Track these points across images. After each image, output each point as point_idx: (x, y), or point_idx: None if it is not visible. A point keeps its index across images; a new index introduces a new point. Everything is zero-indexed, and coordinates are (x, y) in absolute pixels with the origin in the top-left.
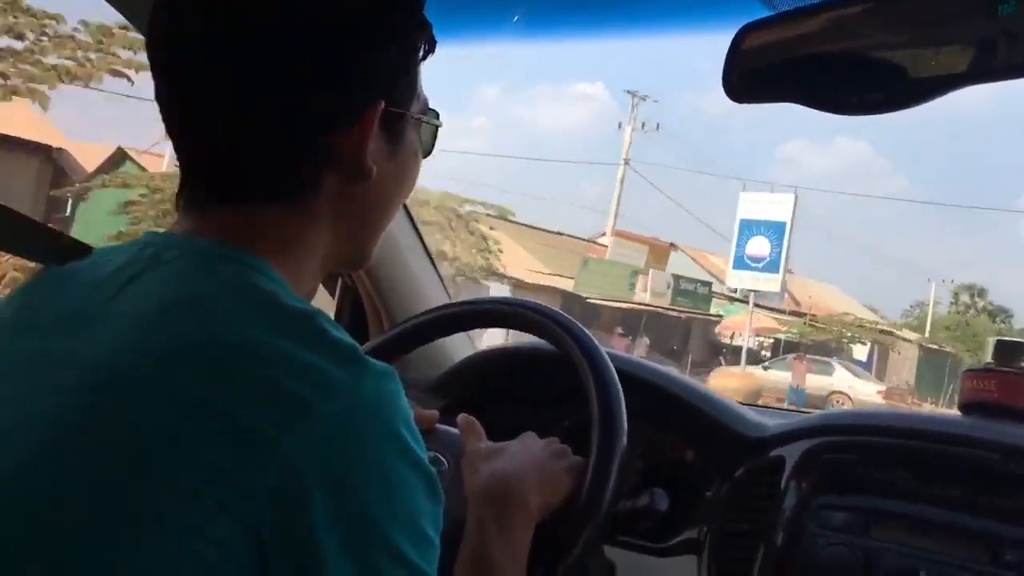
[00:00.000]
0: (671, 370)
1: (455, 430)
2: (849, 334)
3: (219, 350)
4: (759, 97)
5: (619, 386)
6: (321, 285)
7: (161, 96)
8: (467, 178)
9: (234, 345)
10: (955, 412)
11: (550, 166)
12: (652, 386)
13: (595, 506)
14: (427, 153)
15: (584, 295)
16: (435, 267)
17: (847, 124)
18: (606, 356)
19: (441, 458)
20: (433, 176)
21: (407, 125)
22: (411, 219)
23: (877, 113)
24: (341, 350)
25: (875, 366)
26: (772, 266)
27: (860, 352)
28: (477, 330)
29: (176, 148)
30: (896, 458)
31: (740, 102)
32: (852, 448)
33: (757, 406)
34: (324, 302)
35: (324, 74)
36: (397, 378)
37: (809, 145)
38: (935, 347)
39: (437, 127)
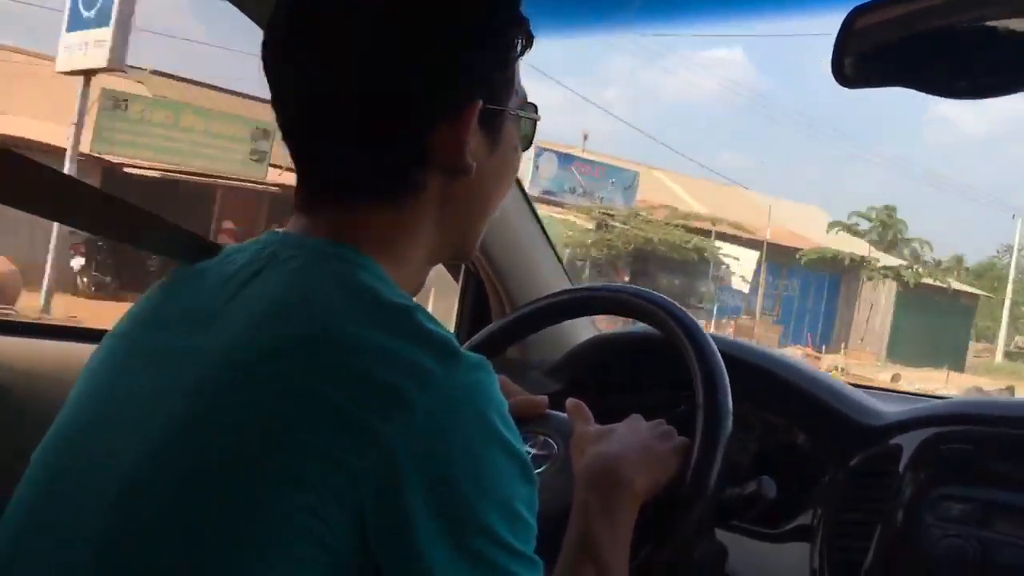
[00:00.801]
0: (784, 354)
1: (566, 416)
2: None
3: (324, 345)
4: (870, 82)
5: (724, 370)
6: (447, 271)
7: (276, 99)
8: None
9: (338, 340)
10: None
11: None
12: (764, 371)
13: (700, 487)
14: (526, 147)
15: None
16: (555, 252)
17: None
18: (711, 341)
19: (552, 442)
20: None
21: (505, 121)
22: (530, 206)
23: (990, 97)
24: (436, 343)
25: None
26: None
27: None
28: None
29: (291, 150)
30: (1017, 449)
31: (850, 87)
32: (971, 438)
33: (872, 388)
34: (449, 287)
35: (424, 75)
36: (490, 368)
37: None
38: (939, 286)
39: (535, 121)
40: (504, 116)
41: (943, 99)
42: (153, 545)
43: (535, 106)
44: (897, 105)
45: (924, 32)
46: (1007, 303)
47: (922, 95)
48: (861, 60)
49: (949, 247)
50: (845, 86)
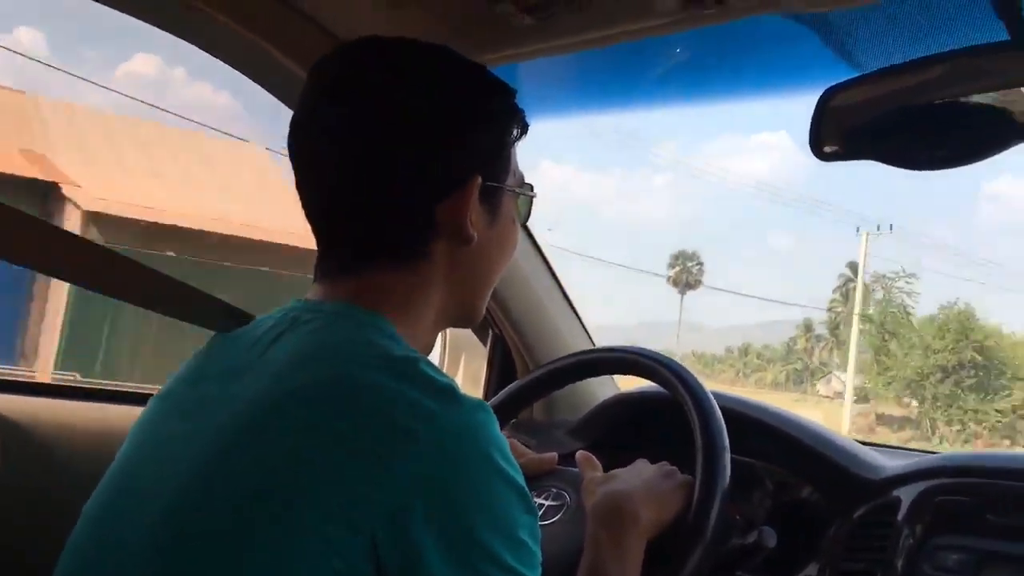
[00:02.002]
0: (792, 413)
1: (575, 469)
2: None
3: (344, 389)
4: (842, 156)
5: (722, 422)
6: (475, 336)
7: (300, 182)
8: None
9: (352, 383)
10: None
11: None
12: (774, 430)
13: (702, 522)
14: (524, 220)
15: None
16: (575, 312)
17: None
18: (710, 396)
19: (564, 493)
20: None
21: (504, 197)
22: (550, 269)
23: (946, 168)
24: (439, 388)
25: None
26: None
27: None
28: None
29: (313, 228)
30: (1011, 501)
31: (825, 160)
32: (967, 490)
33: (877, 445)
34: (479, 351)
35: (432, 154)
36: (489, 410)
37: None
38: None
39: (532, 198)
40: (503, 192)
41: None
42: (187, 568)
43: (531, 185)
44: None
45: (890, 110)
46: None
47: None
48: (835, 136)
49: None
50: (821, 159)
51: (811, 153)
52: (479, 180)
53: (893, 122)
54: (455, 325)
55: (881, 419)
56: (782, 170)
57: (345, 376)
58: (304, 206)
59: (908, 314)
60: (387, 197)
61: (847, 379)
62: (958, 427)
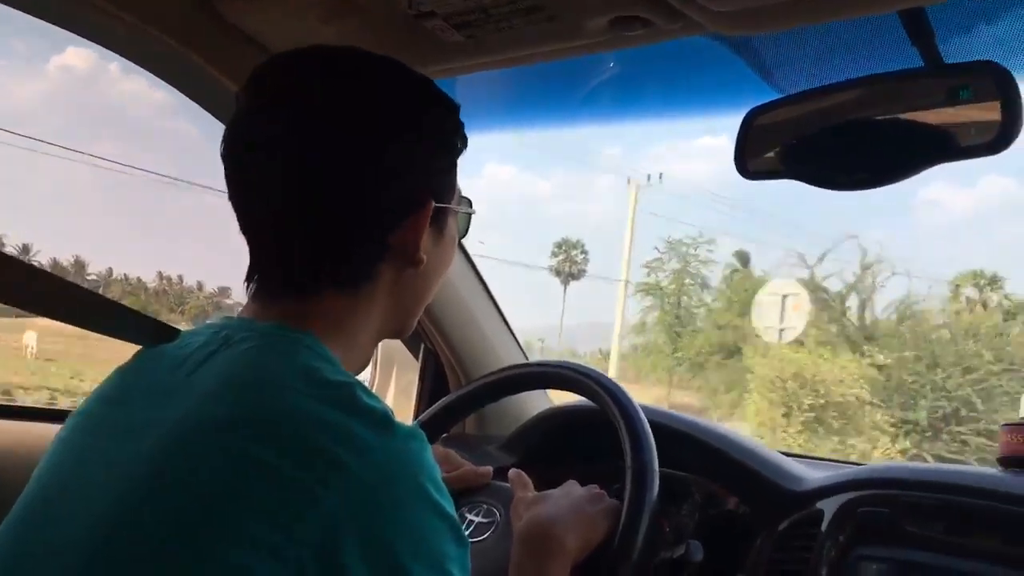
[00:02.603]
0: (717, 424)
1: (509, 485)
2: None
3: (270, 416)
4: (766, 174)
5: (651, 436)
6: (406, 348)
7: (234, 199)
8: None
9: (282, 412)
10: (993, 467)
11: None
12: (701, 443)
13: (628, 547)
14: (463, 236)
15: None
16: (507, 326)
17: None
18: (639, 409)
19: (495, 510)
20: None
21: (449, 216)
22: (484, 286)
23: (864, 188)
24: (373, 415)
25: None
26: None
27: None
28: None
29: (248, 241)
30: (931, 511)
31: (750, 179)
32: (887, 502)
33: (803, 456)
34: (411, 365)
35: (387, 177)
36: (423, 438)
37: None
38: None
39: (470, 215)
40: (449, 212)
41: None
42: None
43: (470, 201)
44: None
45: (811, 132)
46: None
47: None
48: (758, 155)
49: None
50: (746, 178)
51: (736, 172)
52: (431, 204)
53: (813, 144)
54: (388, 338)
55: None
56: (724, 173)
57: (274, 404)
58: (240, 220)
59: (705, 286)
60: (337, 222)
61: (612, 359)
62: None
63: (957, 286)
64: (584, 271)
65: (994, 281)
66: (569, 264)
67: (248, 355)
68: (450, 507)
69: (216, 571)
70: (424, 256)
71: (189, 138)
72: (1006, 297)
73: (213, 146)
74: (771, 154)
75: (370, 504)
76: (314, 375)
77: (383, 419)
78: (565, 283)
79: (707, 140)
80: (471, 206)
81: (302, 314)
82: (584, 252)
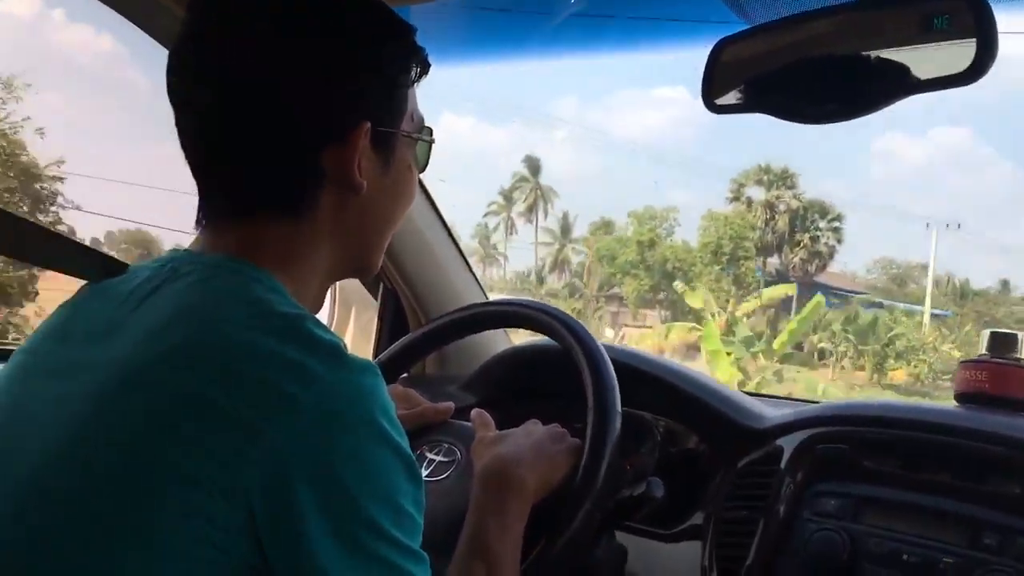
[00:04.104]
0: (680, 365)
1: (471, 424)
2: None
3: (214, 350)
4: (734, 108)
5: (613, 374)
6: (365, 288)
7: (178, 122)
8: None
9: (228, 346)
10: (951, 403)
11: None
12: (662, 381)
13: (589, 485)
14: (422, 168)
15: None
16: (468, 267)
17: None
18: (601, 348)
19: (455, 449)
20: None
21: (398, 143)
22: (442, 221)
23: (834, 121)
24: (323, 348)
25: None
26: None
27: None
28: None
29: (192, 171)
30: (887, 447)
31: (717, 113)
32: (845, 438)
33: (764, 395)
34: (370, 304)
35: (313, 98)
36: (377, 372)
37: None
38: None
39: (430, 143)
40: (396, 138)
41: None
42: (50, 548)
43: (431, 130)
44: None
45: (780, 65)
46: None
47: None
48: (726, 88)
49: None
50: (713, 111)
51: (703, 105)
52: (367, 126)
53: (783, 76)
54: (349, 276)
55: None
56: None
57: (219, 337)
58: (183, 149)
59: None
60: (268, 143)
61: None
62: None
63: (740, 185)
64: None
65: (784, 177)
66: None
67: (193, 288)
68: (405, 443)
69: (158, 512)
70: (363, 182)
71: (137, 89)
72: (795, 197)
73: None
74: (739, 87)
75: (321, 439)
76: (262, 306)
77: (334, 351)
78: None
79: (664, 90)
80: (431, 136)
81: (250, 245)
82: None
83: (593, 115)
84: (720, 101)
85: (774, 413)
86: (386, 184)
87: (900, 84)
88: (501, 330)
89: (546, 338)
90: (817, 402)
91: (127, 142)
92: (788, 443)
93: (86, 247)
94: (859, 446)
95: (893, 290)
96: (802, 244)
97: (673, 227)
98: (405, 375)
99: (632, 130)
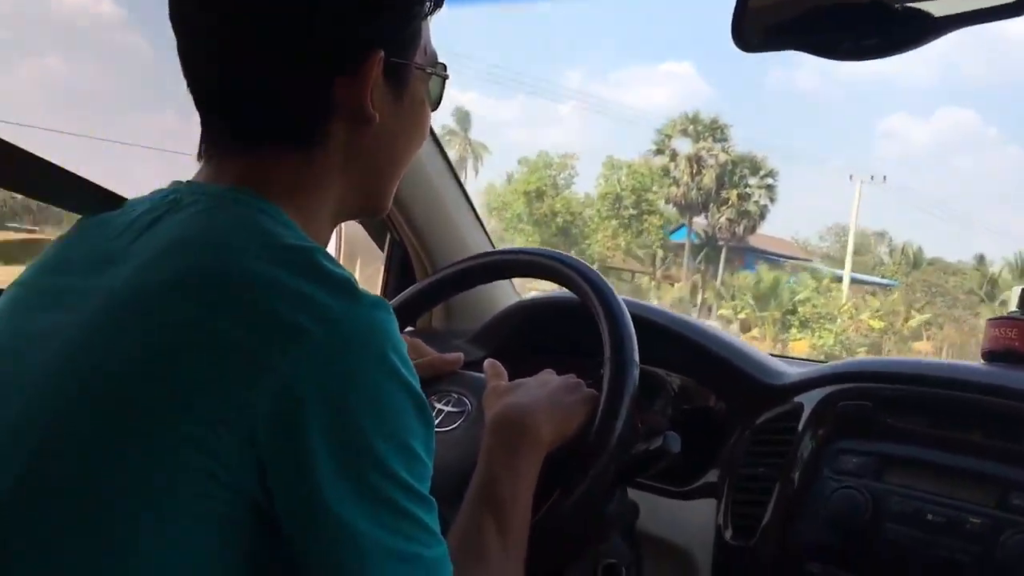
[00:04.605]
0: (696, 320)
1: (482, 375)
2: None
3: (221, 278)
4: (766, 46)
5: (631, 325)
6: (371, 239)
7: (182, 51)
8: None
9: (234, 274)
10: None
11: None
12: (678, 336)
13: (605, 437)
14: (435, 104)
15: None
16: (477, 216)
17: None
18: (620, 300)
19: (465, 399)
20: None
21: (411, 76)
22: (451, 168)
23: (872, 58)
24: (335, 281)
25: None
26: None
27: None
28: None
29: (196, 101)
30: (911, 405)
31: (747, 51)
32: (868, 395)
33: (783, 356)
34: (375, 254)
35: (324, 25)
36: (388, 308)
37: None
38: None
39: (444, 79)
40: (410, 71)
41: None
42: (47, 473)
43: (444, 65)
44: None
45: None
46: None
47: None
48: (758, 25)
49: None
50: (744, 50)
51: (733, 43)
52: (381, 55)
53: (818, 11)
54: (358, 216)
55: None
56: (686, 98)
57: (224, 265)
58: (186, 78)
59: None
60: (275, 72)
61: None
62: None
63: (667, 136)
64: None
65: (714, 128)
66: None
67: (197, 218)
68: (416, 383)
69: (158, 445)
70: (375, 114)
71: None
72: (725, 150)
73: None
74: (771, 24)
75: (331, 374)
76: (270, 238)
77: (346, 285)
78: None
79: (671, 65)
80: (445, 70)
81: (256, 178)
82: None
83: (599, 89)
84: (750, 38)
85: (792, 370)
86: (399, 118)
87: (943, 17)
88: (508, 284)
89: (556, 291)
90: (835, 360)
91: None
92: (808, 400)
93: (85, 180)
94: (883, 403)
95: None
96: (730, 202)
97: (572, 177)
98: (411, 328)
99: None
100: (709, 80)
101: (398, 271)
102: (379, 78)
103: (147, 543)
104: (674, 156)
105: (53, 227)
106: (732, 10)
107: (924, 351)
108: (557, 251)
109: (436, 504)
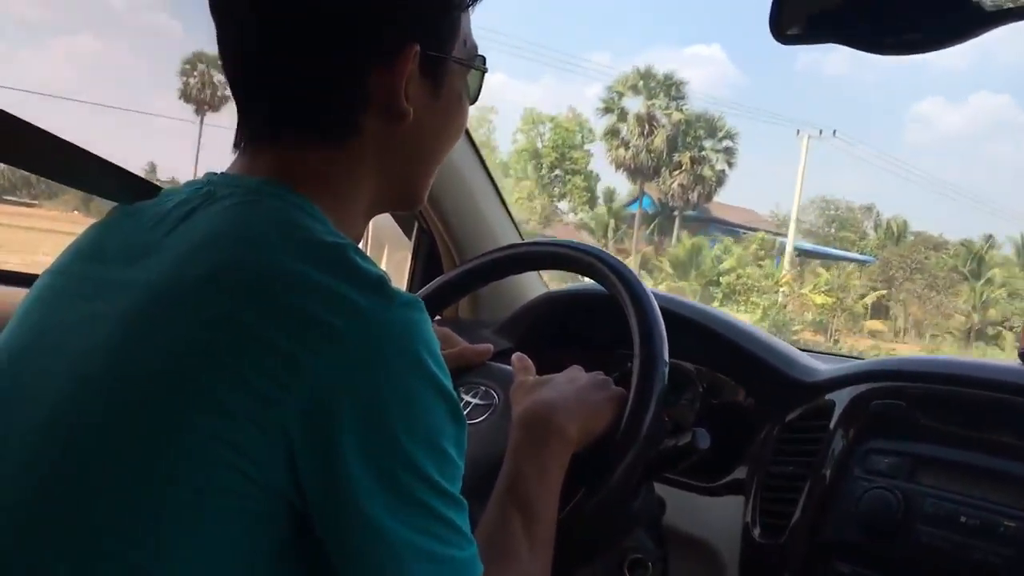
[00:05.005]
0: (727, 314)
1: (509, 367)
2: None
3: (253, 275)
4: (805, 38)
5: (661, 322)
6: (400, 228)
7: (220, 41)
8: None
9: (268, 272)
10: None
11: None
12: (707, 330)
13: (633, 436)
14: (473, 99)
15: None
16: (505, 207)
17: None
18: (650, 295)
19: (493, 392)
20: None
21: (449, 70)
22: (481, 160)
23: (915, 52)
24: (369, 280)
25: None
26: None
27: None
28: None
29: (233, 92)
30: (946, 405)
31: (785, 43)
32: (901, 394)
33: (812, 351)
34: (403, 244)
35: (359, 14)
36: (422, 308)
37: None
38: None
39: (483, 73)
40: (447, 65)
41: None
42: (80, 468)
43: (484, 58)
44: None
45: None
46: None
47: None
48: (798, 16)
49: None
50: (781, 42)
51: (771, 35)
52: (417, 48)
53: (859, 3)
54: (393, 210)
55: None
56: (715, 82)
57: (258, 261)
58: (223, 65)
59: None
60: (308, 60)
61: None
62: None
63: (617, 93)
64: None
65: (668, 84)
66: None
67: (232, 211)
68: (449, 383)
69: (186, 440)
70: (409, 109)
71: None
72: (679, 109)
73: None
74: (810, 15)
75: (364, 375)
76: (304, 234)
77: (379, 284)
78: (201, 115)
79: (698, 48)
80: (484, 64)
81: (289, 171)
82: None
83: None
84: (789, 31)
85: (824, 367)
86: (435, 113)
87: (991, 12)
88: (536, 276)
89: (584, 282)
90: (866, 358)
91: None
92: (840, 398)
93: (121, 168)
94: (916, 403)
95: (829, 234)
96: (683, 167)
97: (491, 131)
98: (438, 318)
99: None
100: (737, 63)
101: (425, 260)
102: (415, 72)
103: (177, 539)
104: (624, 115)
105: (49, 200)
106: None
107: (878, 330)
108: (587, 244)
109: (467, 504)
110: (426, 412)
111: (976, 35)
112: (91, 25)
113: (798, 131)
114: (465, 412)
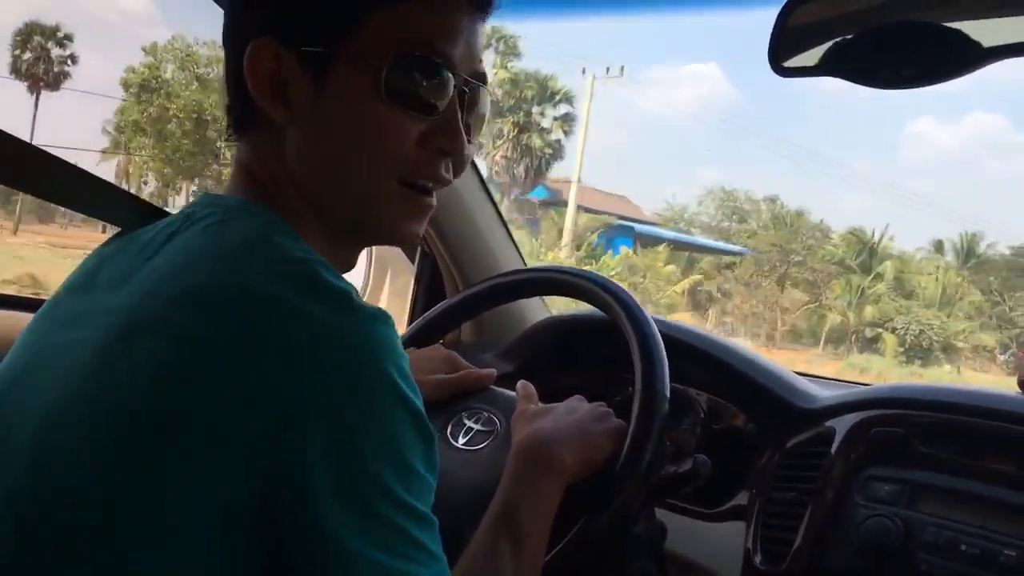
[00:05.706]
0: (728, 341)
1: (513, 393)
2: None
3: (223, 295)
4: (802, 72)
5: (663, 352)
6: (401, 252)
7: None
8: None
9: (237, 290)
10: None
11: None
12: (708, 356)
13: (632, 469)
14: (398, 102)
15: None
16: (508, 231)
17: None
18: (653, 325)
19: (495, 419)
20: None
21: (337, 67)
22: (484, 185)
23: (912, 87)
24: (333, 295)
25: None
26: None
27: None
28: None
29: None
30: (946, 433)
31: (784, 76)
32: (902, 421)
33: (813, 376)
34: (406, 268)
35: (235, 4)
36: (389, 322)
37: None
38: None
39: (412, 70)
40: (334, 61)
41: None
42: (60, 494)
43: (406, 54)
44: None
45: (854, 27)
46: None
47: None
48: (795, 50)
49: None
50: (780, 75)
51: (770, 69)
52: (270, 41)
53: (856, 39)
54: (357, 234)
55: None
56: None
57: (227, 281)
58: None
59: None
60: (231, 65)
61: None
62: None
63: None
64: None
65: (499, 38)
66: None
67: (207, 232)
68: (417, 398)
69: (159, 461)
70: (278, 110)
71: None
72: (503, 66)
73: None
74: (808, 50)
75: (329, 390)
76: (272, 252)
77: (343, 297)
78: (35, 93)
79: (695, 67)
80: (422, 63)
81: (244, 182)
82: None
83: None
84: (788, 64)
85: (824, 393)
86: (327, 114)
87: (983, 49)
88: (539, 300)
89: (585, 308)
90: (867, 385)
91: None
92: (840, 425)
93: (133, 195)
94: (916, 430)
95: (727, 228)
96: (505, 135)
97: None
98: (440, 342)
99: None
100: (734, 81)
101: (428, 284)
102: (295, 68)
103: (149, 558)
104: None
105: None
106: (769, 35)
107: (688, 321)
108: (590, 271)
109: (436, 522)
110: (392, 428)
111: (970, 71)
112: None
113: (583, 69)
114: (467, 438)
